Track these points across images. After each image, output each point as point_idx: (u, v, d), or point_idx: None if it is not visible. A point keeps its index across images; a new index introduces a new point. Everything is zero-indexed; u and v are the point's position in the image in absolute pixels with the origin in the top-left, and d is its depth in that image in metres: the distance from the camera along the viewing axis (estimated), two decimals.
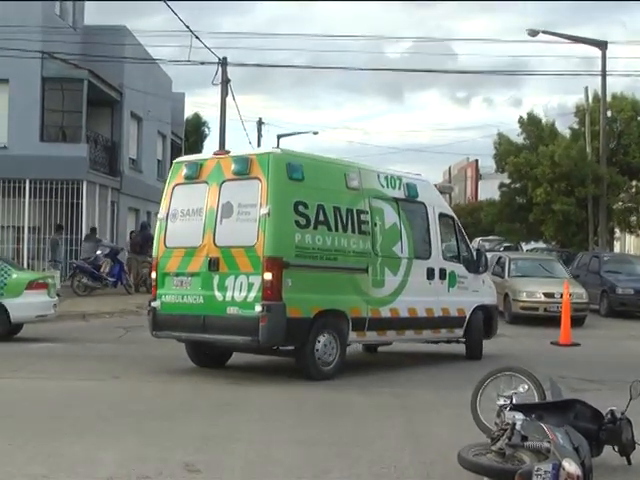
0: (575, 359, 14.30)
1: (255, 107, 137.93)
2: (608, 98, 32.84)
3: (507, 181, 38.20)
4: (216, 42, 44.50)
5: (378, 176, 12.43)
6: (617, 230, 39.05)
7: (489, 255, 30.09)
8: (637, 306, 23.18)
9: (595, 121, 33.16)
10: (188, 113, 49.50)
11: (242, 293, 10.81)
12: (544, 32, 31.32)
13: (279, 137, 53.70)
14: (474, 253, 14.27)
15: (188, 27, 27.03)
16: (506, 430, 6.13)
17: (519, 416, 6.26)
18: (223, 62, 31.44)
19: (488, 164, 47.86)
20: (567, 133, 36.83)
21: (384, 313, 12.06)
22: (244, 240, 10.91)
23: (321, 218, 11.25)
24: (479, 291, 14.03)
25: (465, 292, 13.64)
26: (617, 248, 40.73)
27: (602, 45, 31.50)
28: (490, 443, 6.22)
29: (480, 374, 8.03)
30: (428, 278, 12.89)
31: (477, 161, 73.01)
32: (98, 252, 24.74)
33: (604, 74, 31.40)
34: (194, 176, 11.65)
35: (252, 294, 10.71)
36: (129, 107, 32.73)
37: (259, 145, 46.79)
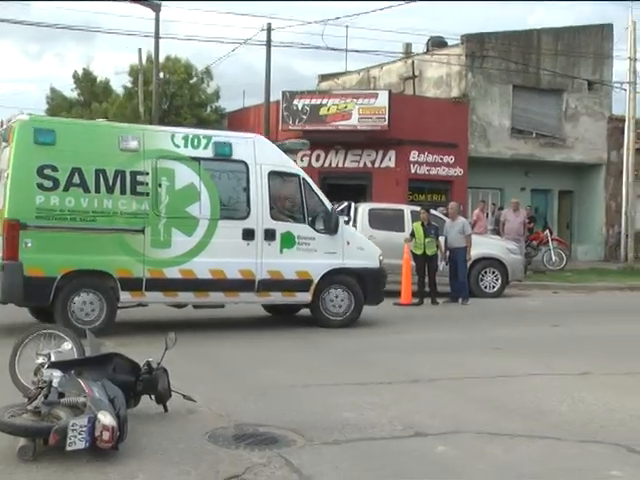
0: None
1: None
2: (162, 60, 33.53)
3: None
4: None
5: (173, 137, 12.56)
6: None
7: None
8: None
9: (149, 81, 33.73)
10: None
11: None
12: None
13: None
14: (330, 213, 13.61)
15: None
16: (43, 388, 6.14)
17: (57, 373, 6.30)
18: None
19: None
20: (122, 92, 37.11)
21: (170, 274, 12.21)
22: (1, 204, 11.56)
23: (76, 180, 11.61)
24: (337, 253, 13.54)
25: (312, 254, 13.28)
26: None
27: (156, 7, 32.10)
28: (27, 403, 6.18)
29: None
30: (245, 239, 12.75)
31: (30, 115, 70.74)
32: None
33: (157, 36, 32.00)
34: (5, 139, 12.08)
35: (0, 254, 11.45)
36: None
37: None
